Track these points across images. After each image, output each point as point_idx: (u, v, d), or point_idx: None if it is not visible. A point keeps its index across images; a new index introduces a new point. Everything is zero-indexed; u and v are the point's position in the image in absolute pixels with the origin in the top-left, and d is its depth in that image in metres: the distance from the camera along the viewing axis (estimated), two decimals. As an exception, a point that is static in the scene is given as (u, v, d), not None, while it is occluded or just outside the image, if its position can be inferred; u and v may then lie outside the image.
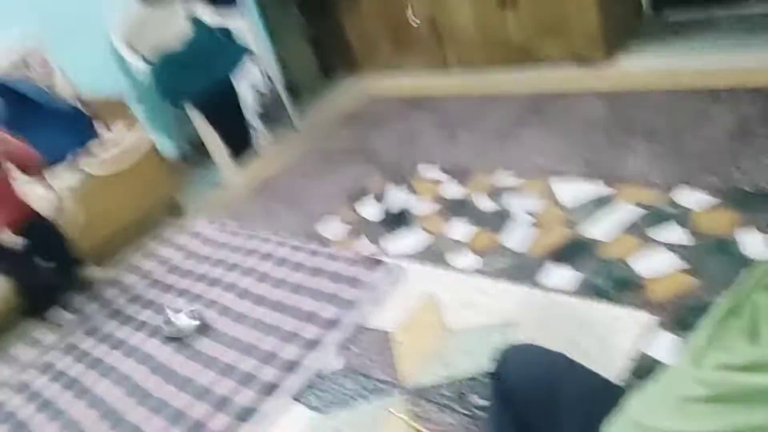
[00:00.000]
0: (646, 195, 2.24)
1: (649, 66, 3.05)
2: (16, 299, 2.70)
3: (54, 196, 2.56)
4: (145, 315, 2.56)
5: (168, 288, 2.70)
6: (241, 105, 3.53)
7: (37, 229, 2.52)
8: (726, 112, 2.53)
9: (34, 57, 3.13)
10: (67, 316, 2.70)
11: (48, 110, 2.96)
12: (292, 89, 4.20)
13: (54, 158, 2.83)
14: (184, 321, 2.35)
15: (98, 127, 3.09)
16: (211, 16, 3.65)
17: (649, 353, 1.65)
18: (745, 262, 1.81)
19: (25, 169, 2.45)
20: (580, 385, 1.26)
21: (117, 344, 2.43)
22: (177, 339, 2.31)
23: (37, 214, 2.52)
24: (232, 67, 3.48)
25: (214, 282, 2.62)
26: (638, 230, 2.10)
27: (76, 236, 2.75)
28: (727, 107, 2.56)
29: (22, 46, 3.11)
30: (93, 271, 2.87)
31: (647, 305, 1.79)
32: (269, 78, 3.75)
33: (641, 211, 2.17)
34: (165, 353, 2.28)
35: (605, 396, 1.24)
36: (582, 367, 1.29)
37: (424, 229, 2.53)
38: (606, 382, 1.37)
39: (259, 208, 3.19)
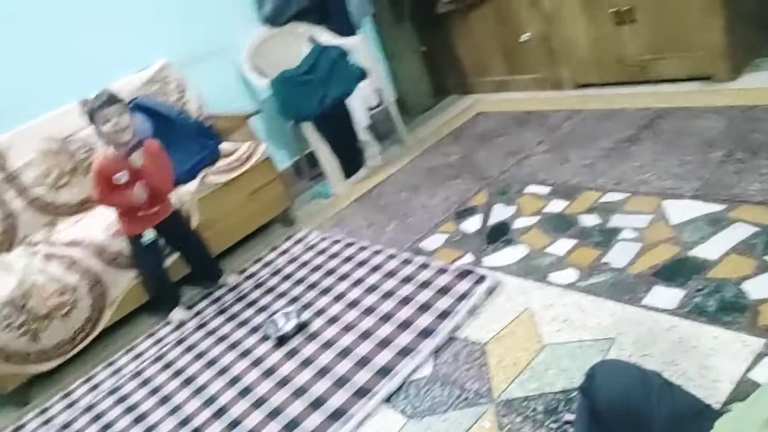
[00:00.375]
0: (764, 216, 2.10)
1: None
2: (142, 293, 2.97)
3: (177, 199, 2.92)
4: (252, 316, 2.73)
5: (271, 290, 2.86)
6: (354, 123, 3.69)
7: (170, 222, 2.83)
8: None
9: (170, 78, 3.48)
10: (186, 314, 2.94)
11: (181, 127, 3.26)
12: (404, 105, 4.33)
13: (187, 174, 3.11)
14: (286, 322, 2.49)
15: (221, 140, 3.37)
16: (330, 38, 3.86)
17: (754, 378, 1.54)
18: None
19: (155, 192, 2.69)
20: (674, 405, 1.21)
21: (230, 343, 2.61)
22: (280, 339, 2.44)
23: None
24: (349, 88, 3.65)
25: (313, 286, 2.75)
26: (753, 252, 1.97)
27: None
28: None
29: (160, 70, 3.46)
30: (226, 277, 3.11)
31: (757, 329, 1.68)
32: (381, 94, 3.89)
33: (758, 233, 2.03)
34: (266, 351, 2.43)
35: (701, 419, 1.19)
36: (678, 388, 1.24)
37: (525, 243, 2.51)
38: (703, 406, 1.30)
39: (363, 218, 3.30)
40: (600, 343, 1.87)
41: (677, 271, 2.03)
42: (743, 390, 1.53)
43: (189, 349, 2.66)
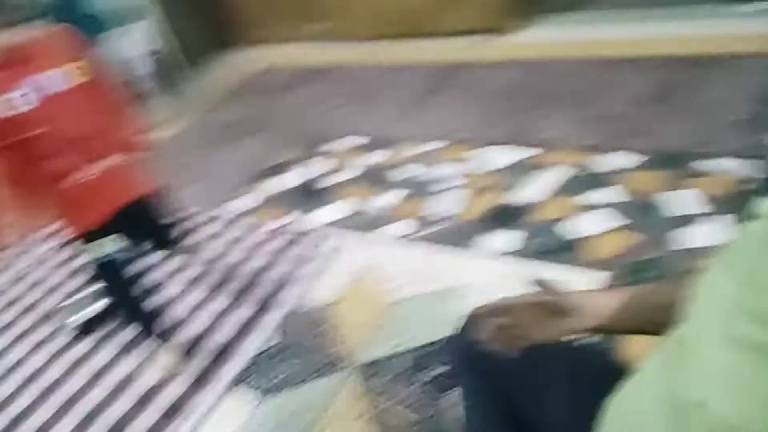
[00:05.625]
0: (572, 158, 2.29)
1: (557, 36, 3.14)
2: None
3: None
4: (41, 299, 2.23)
5: (58, 267, 2.38)
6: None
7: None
8: (636, 79, 2.65)
9: None
10: None
11: None
12: (186, 55, 3.89)
13: None
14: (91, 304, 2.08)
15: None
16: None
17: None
18: (678, 219, 1.89)
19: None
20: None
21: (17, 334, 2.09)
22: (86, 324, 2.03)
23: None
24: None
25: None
26: (570, 192, 2.13)
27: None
28: (635, 75, 2.68)
29: None
30: None
31: (595, 263, 1.82)
32: (157, 42, 3.43)
33: (571, 174, 2.21)
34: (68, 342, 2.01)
35: (590, 356, 1.22)
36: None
37: (349, 198, 2.42)
38: (600, 347, 1.35)
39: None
40: (451, 292, 1.87)
41: (505, 215, 2.12)
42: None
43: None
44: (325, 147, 2.79)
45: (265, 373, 1.76)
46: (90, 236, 1.53)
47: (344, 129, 2.90)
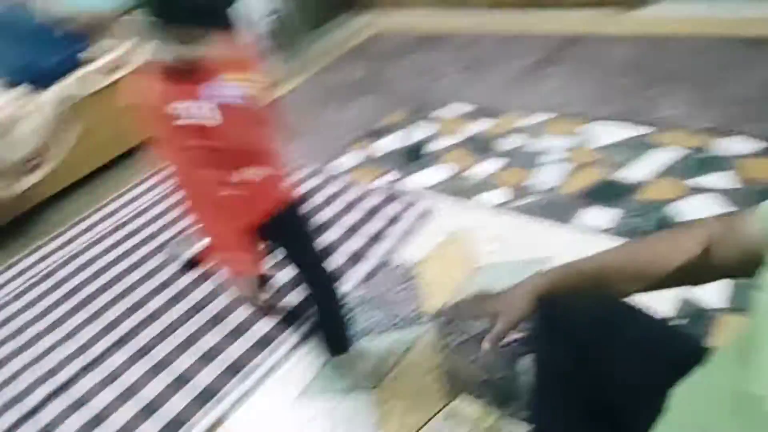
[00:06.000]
0: (687, 139, 2.16)
1: (683, 12, 2.94)
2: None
3: None
4: (157, 233, 2.44)
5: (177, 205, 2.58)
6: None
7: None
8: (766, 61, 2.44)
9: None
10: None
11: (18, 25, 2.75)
12: (300, 17, 4.02)
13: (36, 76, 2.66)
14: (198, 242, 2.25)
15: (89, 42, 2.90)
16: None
17: (689, 297, 1.59)
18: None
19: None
20: (639, 329, 1.18)
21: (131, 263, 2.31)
22: (189, 261, 2.20)
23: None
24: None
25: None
26: (679, 174, 2.02)
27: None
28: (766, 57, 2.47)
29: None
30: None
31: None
32: (278, 4, 3.57)
33: (682, 155, 2.09)
34: (174, 275, 2.19)
35: (667, 345, 1.17)
36: (640, 310, 1.21)
37: (450, 163, 2.42)
38: (668, 328, 1.30)
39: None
40: (535, 263, 1.84)
41: (607, 192, 2.04)
42: (684, 309, 1.57)
43: (82, 267, 2.34)
44: (431, 112, 2.80)
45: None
46: None
47: (452, 96, 2.89)
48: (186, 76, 1.26)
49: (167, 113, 1.26)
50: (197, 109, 1.28)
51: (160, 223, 2.51)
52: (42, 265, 2.43)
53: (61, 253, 2.48)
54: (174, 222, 2.48)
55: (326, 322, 1.62)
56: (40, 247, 2.56)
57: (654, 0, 3.13)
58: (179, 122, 1.27)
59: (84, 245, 2.47)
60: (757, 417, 0.71)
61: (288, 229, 1.50)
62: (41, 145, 2.60)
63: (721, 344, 0.85)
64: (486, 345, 1.15)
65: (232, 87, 1.32)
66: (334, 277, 1.63)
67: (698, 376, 0.90)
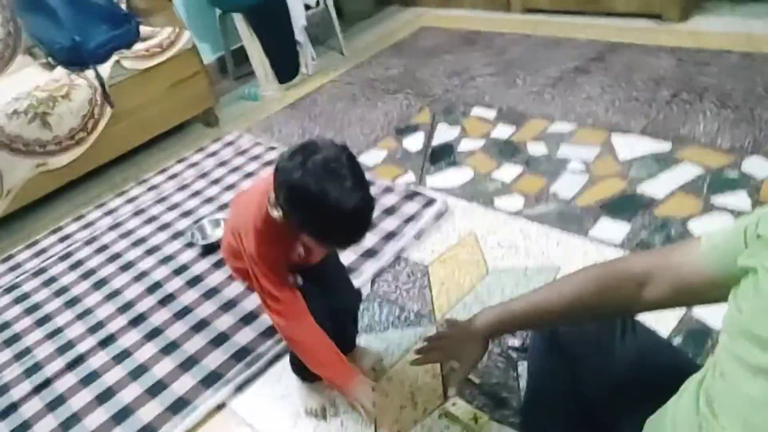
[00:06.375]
0: (711, 158, 2.12)
1: (725, 27, 2.89)
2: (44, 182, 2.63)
3: None
4: (175, 219, 2.51)
5: (197, 194, 2.65)
6: (292, 21, 3.39)
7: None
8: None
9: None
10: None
11: (90, 6, 2.85)
12: (341, 10, 4.06)
13: (94, 52, 2.75)
14: (215, 229, 2.31)
15: (140, 25, 2.99)
16: None
17: (695, 315, 1.57)
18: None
19: None
20: (637, 341, 1.18)
21: (149, 247, 2.39)
22: (206, 246, 2.26)
23: None
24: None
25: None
26: (698, 192, 1.99)
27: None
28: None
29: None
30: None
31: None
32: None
33: (704, 174, 2.06)
34: (193, 259, 2.25)
35: (663, 358, 1.17)
36: (639, 323, 1.21)
37: (471, 166, 2.43)
38: (665, 342, 1.30)
39: (296, 126, 3.10)
40: (545, 271, 1.85)
41: (624, 205, 2.03)
42: (686, 324, 1.56)
43: (101, 249, 2.42)
44: (458, 114, 2.81)
45: (353, 316, 1.86)
46: None
47: (480, 99, 2.89)
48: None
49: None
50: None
51: (179, 210, 2.58)
52: (61, 246, 2.52)
53: (82, 234, 2.57)
54: (193, 211, 2.55)
55: (338, 329, 1.58)
56: (60, 229, 2.65)
57: (700, 12, 3.08)
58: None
59: (104, 228, 2.56)
60: None
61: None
62: (80, 123, 2.70)
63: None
64: (452, 392, 1.41)
65: None
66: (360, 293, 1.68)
67: (668, 405, 0.90)
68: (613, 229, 1.94)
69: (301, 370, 1.56)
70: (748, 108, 2.33)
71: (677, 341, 1.52)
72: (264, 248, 1.25)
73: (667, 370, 1.14)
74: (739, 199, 1.92)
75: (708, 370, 0.80)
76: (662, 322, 1.55)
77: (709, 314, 1.56)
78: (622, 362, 1.15)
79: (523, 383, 1.49)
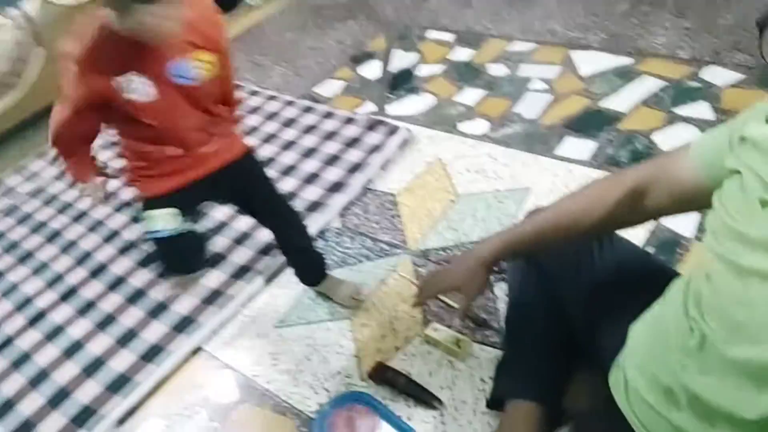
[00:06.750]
0: (671, 69, 2.12)
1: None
2: None
3: None
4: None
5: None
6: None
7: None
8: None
9: None
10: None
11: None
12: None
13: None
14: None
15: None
16: None
17: (666, 225, 1.60)
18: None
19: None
20: (615, 252, 1.19)
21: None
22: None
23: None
24: None
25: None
26: (661, 104, 2.00)
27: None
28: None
29: None
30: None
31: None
32: None
33: (665, 85, 2.06)
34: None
35: (643, 268, 1.18)
36: (616, 235, 1.22)
37: (431, 92, 2.37)
38: (643, 253, 1.31)
39: (245, 60, 2.95)
40: (515, 193, 1.84)
41: (588, 122, 2.02)
42: (657, 236, 1.58)
43: (49, 201, 2.30)
44: (414, 39, 2.72)
45: (324, 251, 1.82)
46: (151, 204, 1.39)
47: (436, 20, 2.81)
48: (139, 49, 1.18)
49: (104, 79, 1.20)
50: (140, 84, 1.21)
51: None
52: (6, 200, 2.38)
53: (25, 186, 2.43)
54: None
55: (297, 258, 1.62)
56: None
57: None
58: (123, 94, 1.22)
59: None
60: (706, 355, 0.73)
61: (247, 184, 1.47)
62: (5, 70, 2.50)
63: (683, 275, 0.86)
64: (457, 321, 1.38)
65: (183, 66, 1.24)
66: (300, 216, 1.62)
67: (655, 310, 0.91)
68: (579, 147, 1.94)
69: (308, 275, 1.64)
70: (707, 17, 2.32)
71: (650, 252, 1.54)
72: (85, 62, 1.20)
73: (646, 274, 1.17)
74: (702, 109, 1.93)
75: (693, 274, 0.80)
76: (633, 234, 1.56)
77: (679, 223, 1.58)
78: (601, 271, 1.16)
79: (501, 305, 1.50)
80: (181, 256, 1.54)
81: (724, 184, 0.73)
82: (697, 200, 0.84)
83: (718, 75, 2.03)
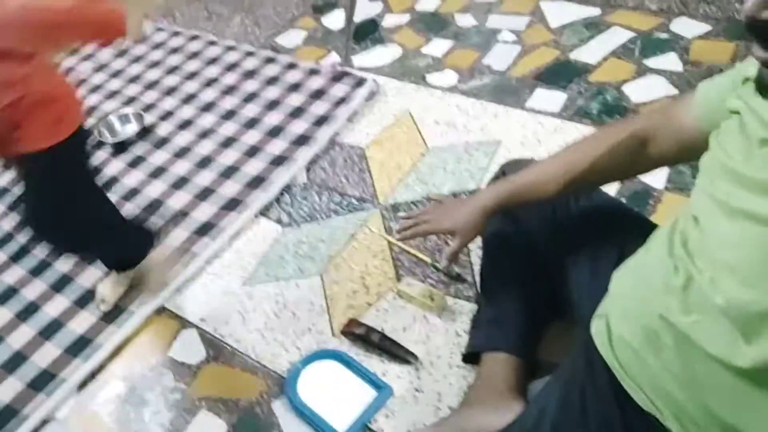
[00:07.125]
0: (640, 20, 2.10)
1: None
2: None
3: None
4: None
5: (97, 89, 2.38)
6: None
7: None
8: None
9: None
10: None
11: None
12: None
13: None
14: (125, 125, 2.10)
15: None
16: None
17: (640, 177, 1.59)
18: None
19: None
20: (590, 200, 1.18)
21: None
22: (117, 145, 2.06)
23: None
24: None
25: (151, 85, 2.33)
26: (631, 56, 1.98)
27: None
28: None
29: None
30: None
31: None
32: None
33: (635, 37, 2.04)
34: (105, 160, 2.04)
35: (615, 216, 1.18)
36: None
37: (398, 43, 2.30)
38: (617, 202, 1.31)
39: (200, 8, 2.81)
40: (486, 146, 1.81)
41: (558, 74, 1.99)
42: (628, 187, 1.57)
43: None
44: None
45: (291, 206, 1.77)
46: None
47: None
48: None
49: None
50: None
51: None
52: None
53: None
54: (96, 107, 2.30)
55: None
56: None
57: None
58: None
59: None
60: (691, 295, 0.71)
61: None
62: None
63: (661, 225, 0.85)
64: (444, 262, 1.26)
65: None
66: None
67: (638, 255, 0.90)
68: (549, 99, 1.91)
69: None
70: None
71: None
72: None
73: (622, 218, 1.17)
74: (671, 60, 1.92)
75: (680, 217, 0.79)
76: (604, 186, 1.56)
77: (649, 175, 1.58)
78: (578, 218, 1.16)
79: (474, 258, 1.48)
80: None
81: (722, 124, 0.71)
82: (703, 147, 0.82)
83: (686, 26, 2.02)
